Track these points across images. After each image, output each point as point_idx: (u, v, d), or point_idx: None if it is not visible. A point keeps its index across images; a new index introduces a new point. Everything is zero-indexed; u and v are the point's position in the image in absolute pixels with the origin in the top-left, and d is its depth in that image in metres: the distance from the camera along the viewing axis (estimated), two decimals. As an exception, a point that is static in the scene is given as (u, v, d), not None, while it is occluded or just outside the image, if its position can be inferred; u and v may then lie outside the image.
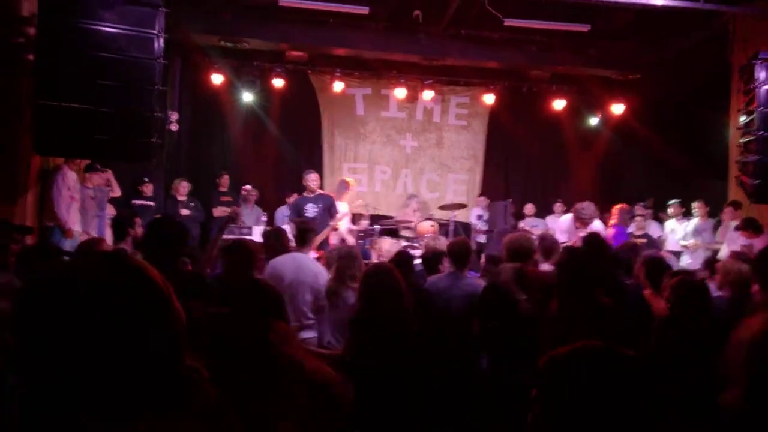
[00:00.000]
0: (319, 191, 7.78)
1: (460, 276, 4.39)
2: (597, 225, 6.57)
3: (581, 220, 6.40)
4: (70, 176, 6.19)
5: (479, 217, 10.96)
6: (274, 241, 4.81)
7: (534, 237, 4.90)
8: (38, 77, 5.19)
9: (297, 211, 7.66)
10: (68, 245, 5.71)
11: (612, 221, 7.51)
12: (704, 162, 8.83)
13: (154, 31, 5.60)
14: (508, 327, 3.45)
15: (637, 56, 9.68)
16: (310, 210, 7.51)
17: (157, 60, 5.61)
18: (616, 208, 7.60)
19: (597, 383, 1.21)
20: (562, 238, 6.92)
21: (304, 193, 7.73)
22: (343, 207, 7.87)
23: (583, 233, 6.17)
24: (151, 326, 0.98)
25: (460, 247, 4.57)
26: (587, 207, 6.41)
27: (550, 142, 11.57)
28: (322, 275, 4.48)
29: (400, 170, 11.65)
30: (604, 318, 3.26)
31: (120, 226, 5.20)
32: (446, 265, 4.72)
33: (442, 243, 5.06)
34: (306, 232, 4.83)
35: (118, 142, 5.54)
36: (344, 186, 8.34)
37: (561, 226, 6.90)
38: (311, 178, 7.70)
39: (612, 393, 1.20)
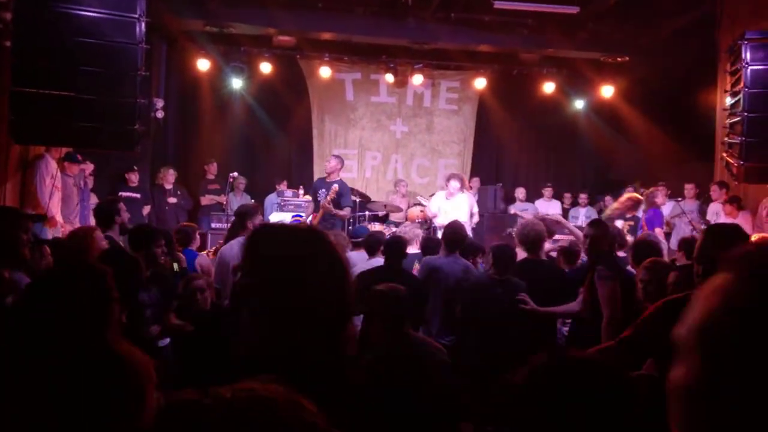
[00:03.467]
0: (336, 176, 7.61)
1: (456, 258, 4.60)
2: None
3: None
4: (53, 164, 6.12)
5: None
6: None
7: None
8: (16, 64, 5.11)
9: (312, 194, 7.70)
10: (50, 234, 5.67)
11: (644, 206, 7.52)
12: (692, 144, 8.84)
13: (136, 15, 5.51)
14: None
15: (626, 38, 9.63)
16: (321, 194, 7.46)
17: (140, 45, 5.52)
18: (647, 193, 7.58)
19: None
20: None
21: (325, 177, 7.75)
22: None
23: None
24: None
25: (453, 231, 4.72)
26: None
27: (541, 126, 11.53)
28: None
29: (390, 156, 11.61)
30: None
31: (105, 214, 5.10)
32: None
33: (416, 232, 5.17)
34: (242, 216, 4.89)
35: (101, 130, 5.47)
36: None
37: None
38: (330, 161, 7.79)
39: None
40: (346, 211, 7.47)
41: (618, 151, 10.96)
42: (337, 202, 7.27)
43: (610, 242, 4.44)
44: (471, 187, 10.55)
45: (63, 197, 6.35)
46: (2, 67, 5.32)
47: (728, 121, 5.98)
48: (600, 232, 4.26)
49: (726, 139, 6.03)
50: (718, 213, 7.36)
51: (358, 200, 9.82)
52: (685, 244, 4.44)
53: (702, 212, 8.14)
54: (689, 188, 8.51)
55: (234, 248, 4.62)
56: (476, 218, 8.48)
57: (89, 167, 7.43)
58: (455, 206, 7.71)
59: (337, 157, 7.98)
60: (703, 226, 7.44)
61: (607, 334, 3.85)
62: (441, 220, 7.39)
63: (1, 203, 5.61)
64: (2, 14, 5.46)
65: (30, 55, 5.12)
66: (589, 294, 4.06)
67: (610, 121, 11.10)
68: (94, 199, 7.27)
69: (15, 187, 5.94)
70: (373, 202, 10.41)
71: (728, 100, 6.01)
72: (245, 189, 9.84)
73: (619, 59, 9.92)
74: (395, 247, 4.51)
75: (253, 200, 9.68)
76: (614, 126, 11.05)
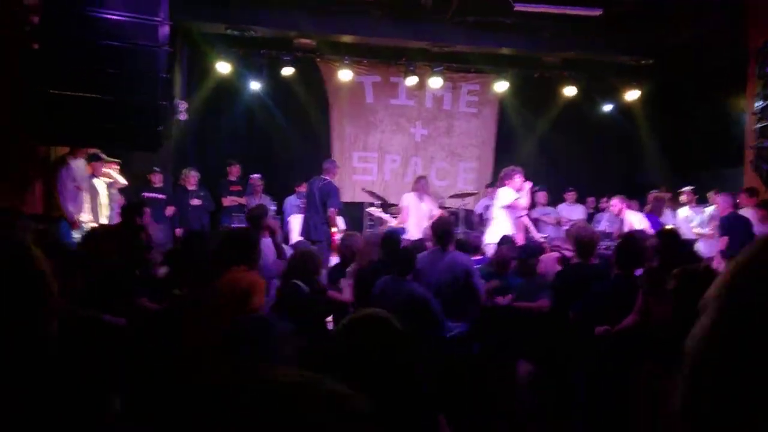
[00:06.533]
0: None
1: (444, 254, 4.65)
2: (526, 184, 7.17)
3: (501, 181, 7.15)
4: (76, 166, 6.17)
5: (487, 207, 10.79)
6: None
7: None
8: (43, 66, 5.16)
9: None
10: (76, 236, 5.72)
11: (646, 209, 7.48)
12: (720, 148, 8.68)
13: (159, 19, 5.55)
14: None
15: (651, 41, 9.48)
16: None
17: (162, 48, 5.56)
18: (651, 196, 7.51)
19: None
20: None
21: None
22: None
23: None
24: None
25: (441, 226, 4.81)
26: (504, 170, 7.27)
27: (562, 130, 11.41)
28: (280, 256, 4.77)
29: (409, 158, 11.57)
30: None
31: (128, 214, 5.22)
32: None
33: (357, 240, 5.23)
34: (255, 219, 4.96)
35: (124, 131, 5.53)
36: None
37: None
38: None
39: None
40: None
41: (643, 156, 10.80)
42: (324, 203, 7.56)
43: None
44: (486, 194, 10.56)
45: (90, 197, 6.41)
46: (29, 69, 5.37)
47: (758, 125, 5.85)
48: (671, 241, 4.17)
49: (755, 143, 5.90)
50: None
51: (378, 203, 9.82)
52: None
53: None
54: (712, 194, 8.35)
55: None
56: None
57: (121, 183, 7.52)
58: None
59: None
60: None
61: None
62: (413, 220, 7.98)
63: (32, 204, 5.67)
64: (30, 17, 5.52)
65: (57, 57, 5.17)
66: (655, 304, 3.85)
67: (634, 124, 10.95)
68: (120, 200, 7.32)
69: (41, 188, 6.00)
70: (393, 205, 10.38)
71: (758, 104, 5.88)
72: (263, 190, 9.86)
73: (643, 62, 9.78)
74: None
75: (274, 201, 9.71)
76: (639, 130, 10.90)
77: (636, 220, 6.48)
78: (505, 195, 7.02)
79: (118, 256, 3.64)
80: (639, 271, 4.41)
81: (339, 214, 8.16)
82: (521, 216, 7.30)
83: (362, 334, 1.82)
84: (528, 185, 7.32)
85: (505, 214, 7.01)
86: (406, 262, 4.28)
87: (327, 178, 7.82)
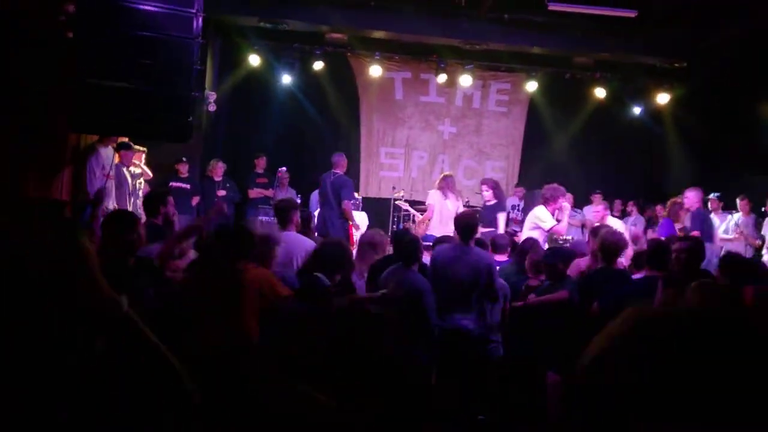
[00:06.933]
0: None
1: (466, 248, 4.63)
2: (566, 206, 6.94)
3: (545, 199, 6.74)
4: (105, 154, 6.32)
5: (513, 207, 10.75)
6: None
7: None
8: (79, 55, 5.27)
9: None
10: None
11: (663, 213, 7.41)
12: (750, 155, 8.50)
13: (193, 10, 5.61)
14: None
15: (685, 44, 9.31)
16: None
17: (195, 39, 5.63)
18: (669, 201, 7.43)
19: None
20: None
21: None
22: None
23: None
24: None
25: (464, 220, 4.80)
26: (549, 187, 6.86)
27: (591, 131, 11.28)
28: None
29: (437, 156, 11.56)
30: None
31: (152, 202, 5.27)
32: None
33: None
34: (283, 212, 4.89)
35: (156, 121, 5.60)
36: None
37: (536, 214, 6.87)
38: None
39: None
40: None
41: (672, 160, 10.61)
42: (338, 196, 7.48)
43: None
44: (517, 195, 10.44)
45: (116, 185, 6.56)
46: (63, 57, 5.51)
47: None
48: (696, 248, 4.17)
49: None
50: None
51: (404, 197, 9.85)
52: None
53: (758, 226, 7.83)
54: (740, 202, 8.21)
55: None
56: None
57: (148, 174, 7.67)
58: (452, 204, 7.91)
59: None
60: (758, 241, 7.16)
61: None
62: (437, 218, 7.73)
63: (59, 191, 5.83)
64: (66, 6, 5.66)
65: (91, 46, 5.27)
66: None
67: (664, 128, 10.76)
68: (146, 190, 7.49)
69: (70, 175, 6.16)
70: (420, 203, 10.38)
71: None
72: (289, 183, 9.96)
73: (676, 65, 9.61)
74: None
75: (299, 195, 9.79)
76: (668, 133, 10.72)
77: (617, 227, 6.43)
78: (544, 216, 6.89)
79: (110, 244, 3.57)
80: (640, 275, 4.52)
81: (361, 210, 8.17)
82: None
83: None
84: (568, 207, 7.20)
85: (537, 231, 6.91)
86: (410, 253, 4.42)
87: (338, 171, 7.74)
